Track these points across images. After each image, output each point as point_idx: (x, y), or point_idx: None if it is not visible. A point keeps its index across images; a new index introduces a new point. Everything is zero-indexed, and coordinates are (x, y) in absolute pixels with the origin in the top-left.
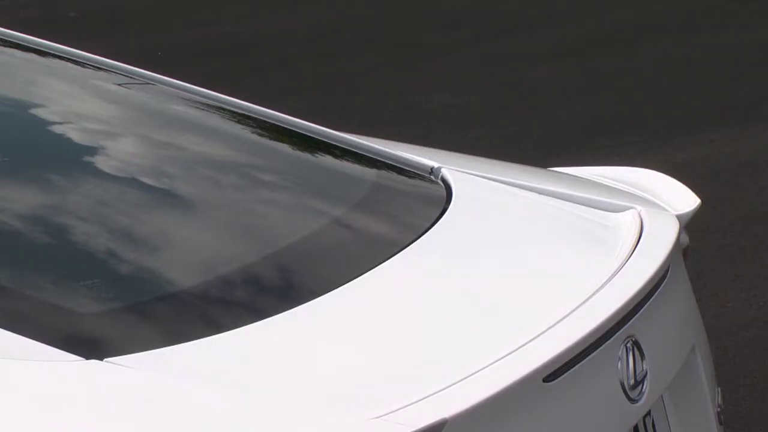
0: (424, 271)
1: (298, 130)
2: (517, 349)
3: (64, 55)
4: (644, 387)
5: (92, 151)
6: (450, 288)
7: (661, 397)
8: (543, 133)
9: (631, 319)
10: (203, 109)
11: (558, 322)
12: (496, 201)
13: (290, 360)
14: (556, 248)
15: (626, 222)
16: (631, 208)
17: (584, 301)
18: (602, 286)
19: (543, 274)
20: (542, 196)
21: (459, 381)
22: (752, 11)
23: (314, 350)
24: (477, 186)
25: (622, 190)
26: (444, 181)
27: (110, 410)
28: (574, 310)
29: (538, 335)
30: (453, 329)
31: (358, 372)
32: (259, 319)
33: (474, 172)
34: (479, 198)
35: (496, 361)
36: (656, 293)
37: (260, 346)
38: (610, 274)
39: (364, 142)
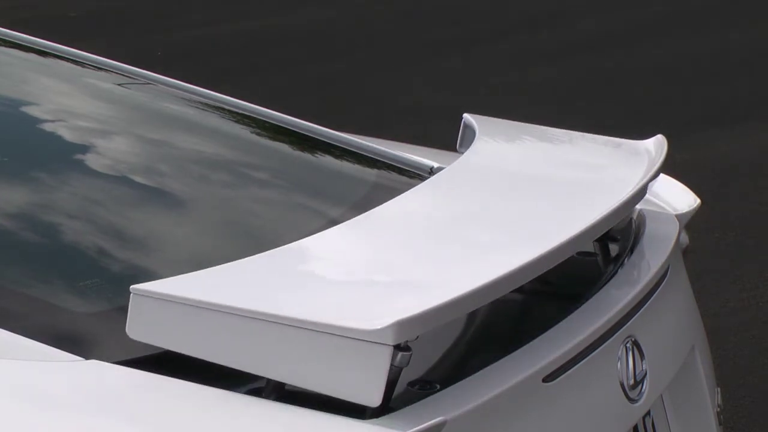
0: (444, 198)
1: (298, 130)
2: (517, 349)
3: (64, 55)
4: (644, 387)
5: (93, 151)
6: (463, 214)
7: (661, 397)
8: None
9: (630, 319)
10: (203, 109)
11: (558, 323)
12: (518, 137)
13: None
14: (574, 177)
15: (651, 145)
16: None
17: (583, 301)
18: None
19: (557, 197)
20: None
21: (459, 381)
22: (751, 11)
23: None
24: (501, 126)
25: None
26: (467, 125)
27: (110, 410)
28: (574, 311)
29: (538, 335)
30: (447, 247)
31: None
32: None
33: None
34: (501, 135)
35: (496, 361)
36: (656, 293)
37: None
38: (627, 193)
39: (364, 142)
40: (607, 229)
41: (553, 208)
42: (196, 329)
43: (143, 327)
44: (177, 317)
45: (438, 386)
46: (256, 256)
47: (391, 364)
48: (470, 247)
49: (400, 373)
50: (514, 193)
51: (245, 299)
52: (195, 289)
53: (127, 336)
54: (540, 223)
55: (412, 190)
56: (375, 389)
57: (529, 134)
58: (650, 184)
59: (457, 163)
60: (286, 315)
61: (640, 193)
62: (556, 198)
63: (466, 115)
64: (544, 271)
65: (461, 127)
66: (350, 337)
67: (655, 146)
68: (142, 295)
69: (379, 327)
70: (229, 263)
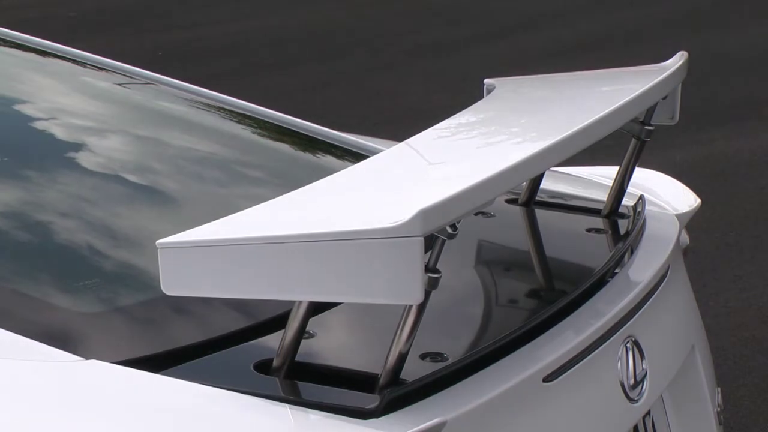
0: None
1: (297, 130)
2: (517, 349)
3: (64, 55)
4: (644, 387)
5: (93, 151)
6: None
7: (661, 397)
8: None
9: (631, 319)
10: (203, 109)
11: (558, 323)
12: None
13: None
14: (596, 96)
15: (671, 60)
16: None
17: (583, 300)
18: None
19: (575, 113)
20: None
21: (459, 381)
22: (752, 11)
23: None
24: (524, 78)
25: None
26: (489, 90)
27: (110, 410)
28: (573, 312)
29: (538, 336)
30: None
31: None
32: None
33: None
34: (524, 81)
35: (496, 361)
36: (656, 293)
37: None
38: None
39: (364, 142)
40: (621, 124)
41: (571, 119)
42: (230, 270)
43: (178, 280)
44: (210, 262)
45: (447, 356)
46: (270, 201)
47: (425, 285)
48: (488, 158)
49: (433, 288)
50: (535, 115)
51: (274, 229)
52: (221, 232)
53: (128, 336)
54: (557, 128)
55: (438, 124)
56: (414, 285)
57: (552, 78)
58: (675, 88)
59: (477, 103)
60: (315, 232)
61: (662, 87)
62: (574, 113)
63: (487, 80)
64: (560, 159)
65: (485, 93)
66: (380, 238)
67: (675, 59)
68: (172, 248)
69: (405, 220)
70: (245, 210)
